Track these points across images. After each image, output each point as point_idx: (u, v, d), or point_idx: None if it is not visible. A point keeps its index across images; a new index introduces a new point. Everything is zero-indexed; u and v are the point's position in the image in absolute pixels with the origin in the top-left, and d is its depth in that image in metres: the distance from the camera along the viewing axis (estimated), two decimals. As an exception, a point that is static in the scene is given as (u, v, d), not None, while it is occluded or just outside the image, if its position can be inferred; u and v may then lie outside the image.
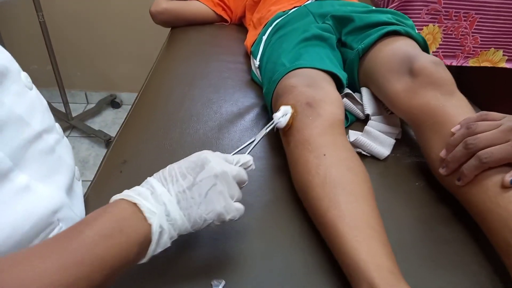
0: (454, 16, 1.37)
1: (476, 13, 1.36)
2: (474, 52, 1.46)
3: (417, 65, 0.61)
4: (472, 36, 1.42)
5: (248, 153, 0.51)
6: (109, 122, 2.00)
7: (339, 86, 0.70)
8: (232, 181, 0.42)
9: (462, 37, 1.42)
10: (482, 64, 1.49)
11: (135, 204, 0.37)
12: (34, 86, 0.47)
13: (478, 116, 0.52)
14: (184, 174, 0.40)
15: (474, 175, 0.49)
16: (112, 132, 1.87)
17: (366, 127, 0.69)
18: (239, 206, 0.43)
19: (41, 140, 0.44)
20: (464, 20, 1.39)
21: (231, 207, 0.41)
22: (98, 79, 2.04)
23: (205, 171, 0.41)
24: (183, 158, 0.43)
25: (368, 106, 0.72)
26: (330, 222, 0.47)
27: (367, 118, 0.73)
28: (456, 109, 0.57)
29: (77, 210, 0.47)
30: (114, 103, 2.08)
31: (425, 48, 0.73)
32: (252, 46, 0.94)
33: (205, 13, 1.17)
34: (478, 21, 1.38)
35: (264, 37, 0.87)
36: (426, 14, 1.35)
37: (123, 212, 0.36)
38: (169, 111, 0.76)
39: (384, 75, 0.67)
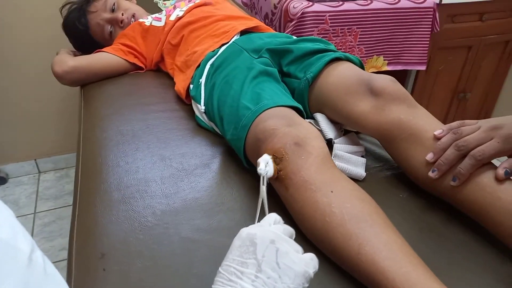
0: (341, 32, 1.52)
1: (357, 28, 1.54)
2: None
3: (377, 85, 0.65)
4: (358, 47, 1.60)
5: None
6: (-3, 202, 1.67)
7: None
8: (286, 237, 0.39)
9: (350, 50, 1.59)
10: (370, 71, 1.68)
11: None
12: None
13: (459, 123, 0.59)
14: (243, 262, 0.35)
15: (470, 173, 0.54)
16: (5, 213, 1.57)
17: (335, 151, 0.70)
18: (311, 255, 0.40)
19: (33, 264, 0.33)
20: (349, 35, 1.55)
21: (306, 260, 0.38)
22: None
23: (259, 245, 0.36)
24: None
25: (329, 130, 0.74)
26: (366, 260, 0.46)
27: (329, 143, 0.75)
28: (425, 118, 0.62)
29: None
30: (-1, 179, 1.75)
31: (362, 68, 0.79)
32: (187, 90, 0.89)
33: (118, 64, 1.07)
34: (360, 34, 1.56)
35: (202, 80, 0.84)
36: (317, 34, 1.48)
37: None
38: (126, 179, 0.67)
39: (342, 98, 0.70)
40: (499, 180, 0.53)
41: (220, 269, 0.37)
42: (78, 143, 0.80)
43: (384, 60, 1.67)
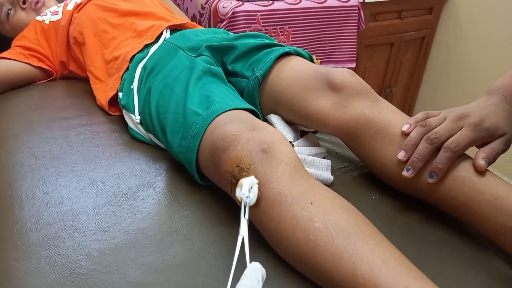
0: (273, 32, 1.48)
1: (289, 27, 1.51)
2: (295, 61, 1.63)
3: (337, 79, 0.59)
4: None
5: (251, 261, 0.38)
6: None
7: None
8: None
9: (284, 49, 1.55)
10: (304, 70, 1.66)
11: None
12: None
13: (424, 115, 0.54)
14: None
15: (447, 166, 0.50)
16: None
17: (298, 155, 0.63)
18: None
19: None
20: (282, 35, 1.52)
21: None
22: None
23: None
24: None
25: (286, 132, 0.67)
26: (364, 282, 0.39)
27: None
28: (390, 113, 0.58)
29: None
30: None
31: (312, 62, 0.73)
32: (112, 100, 0.76)
33: (20, 71, 0.88)
34: (292, 34, 1.53)
35: (134, 86, 0.71)
36: (250, 34, 1.41)
37: None
38: (47, 214, 0.52)
39: (299, 95, 0.63)
40: (480, 170, 0.49)
41: None
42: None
43: (317, 59, 1.66)
